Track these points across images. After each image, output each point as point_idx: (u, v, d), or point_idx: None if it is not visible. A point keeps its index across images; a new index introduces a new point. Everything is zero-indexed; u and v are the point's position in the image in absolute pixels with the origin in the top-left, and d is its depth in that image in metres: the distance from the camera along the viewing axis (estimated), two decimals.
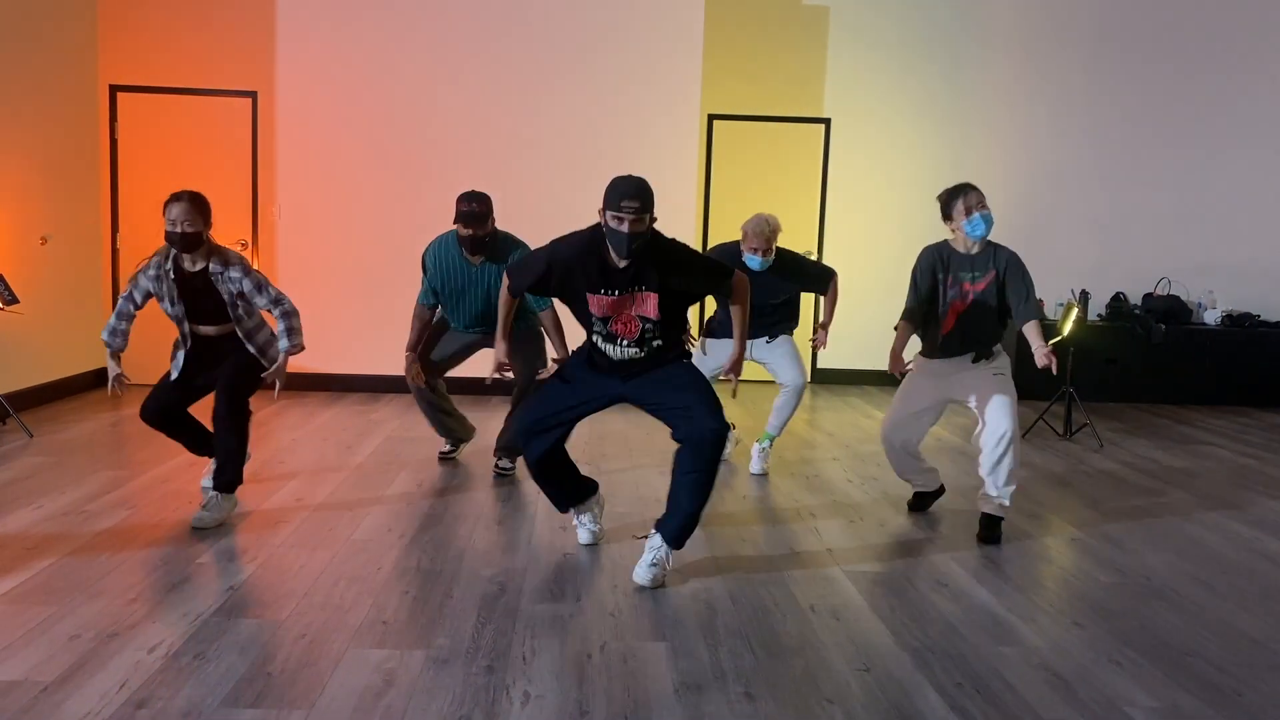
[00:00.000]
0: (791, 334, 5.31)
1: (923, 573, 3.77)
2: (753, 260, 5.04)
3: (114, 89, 7.30)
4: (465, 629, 3.08)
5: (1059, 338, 6.54)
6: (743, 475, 5.23)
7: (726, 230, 8.51)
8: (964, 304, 4.12)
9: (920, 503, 4.65)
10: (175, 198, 4.03)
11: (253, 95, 7.35)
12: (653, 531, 3.59)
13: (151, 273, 4.11)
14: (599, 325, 3.49)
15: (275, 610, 3.19)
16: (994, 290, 4.09)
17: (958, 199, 4.06)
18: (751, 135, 8.44)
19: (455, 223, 4.71)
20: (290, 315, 4.18)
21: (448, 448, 5.41)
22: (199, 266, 4.09)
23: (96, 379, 7.28)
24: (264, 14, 7.29)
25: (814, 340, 5.22)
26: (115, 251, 7.41)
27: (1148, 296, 8.54)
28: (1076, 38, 8.52)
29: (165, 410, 4.25)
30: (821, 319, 5.27)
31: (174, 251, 4.08)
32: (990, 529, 4.19)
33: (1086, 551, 4.11)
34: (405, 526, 4.14)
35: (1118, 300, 8.47)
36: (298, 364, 7.52)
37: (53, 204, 6.69)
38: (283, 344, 4.17)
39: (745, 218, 8.38)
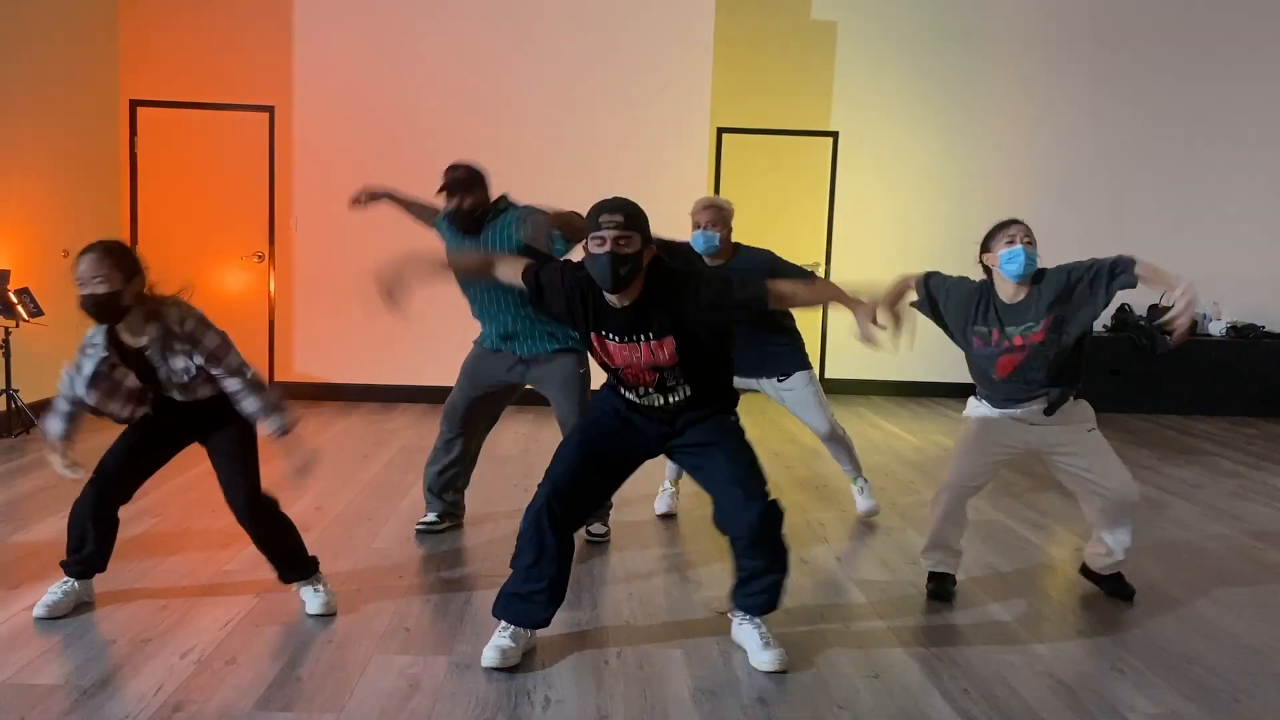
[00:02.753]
0: (808, 368, 4.55)
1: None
2: (696, 239, 4.24)
3: (134, 104, 7.43)
4: (486, 635, 3.17)
5: None
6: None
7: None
8: (1018, 357, 3.43)
9: (943, 588, 3.66)
10: (84, 250, 3.05)
11: (270, 109, 7.48)
12: (735, 611, 3.12)
13: (89, 353, 3.30)
14: (610, 371, 3.02)
15: (301, 617, 3.29)
16: (1056, 335, 3.35)
17: (1000, 231, 3.47)
18: (760, 149, 8.55)
19: (438, 193, 4.10)
20: (261, 388, 3.16)
21: (431, 518, 4.26)
22: (141, 341, 3.14)
23: None
24: (281, 30, 7.43)
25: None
26: None
27: (1152, 307, 8.61)
28: (1081, 49, 8.61)
29: (110, 499, 3.28)
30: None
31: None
32: (1119, 584, 3.72)
33: None
34: (423, 535, 4.24)
35: (1123, 311, 8.55)
36: (316, 373, 7.63)
37: (74, 217, 6.82)
38: (270, 425, 3.14)
39: (753, 231, 8.53)
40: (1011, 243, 3.38)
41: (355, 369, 7.64)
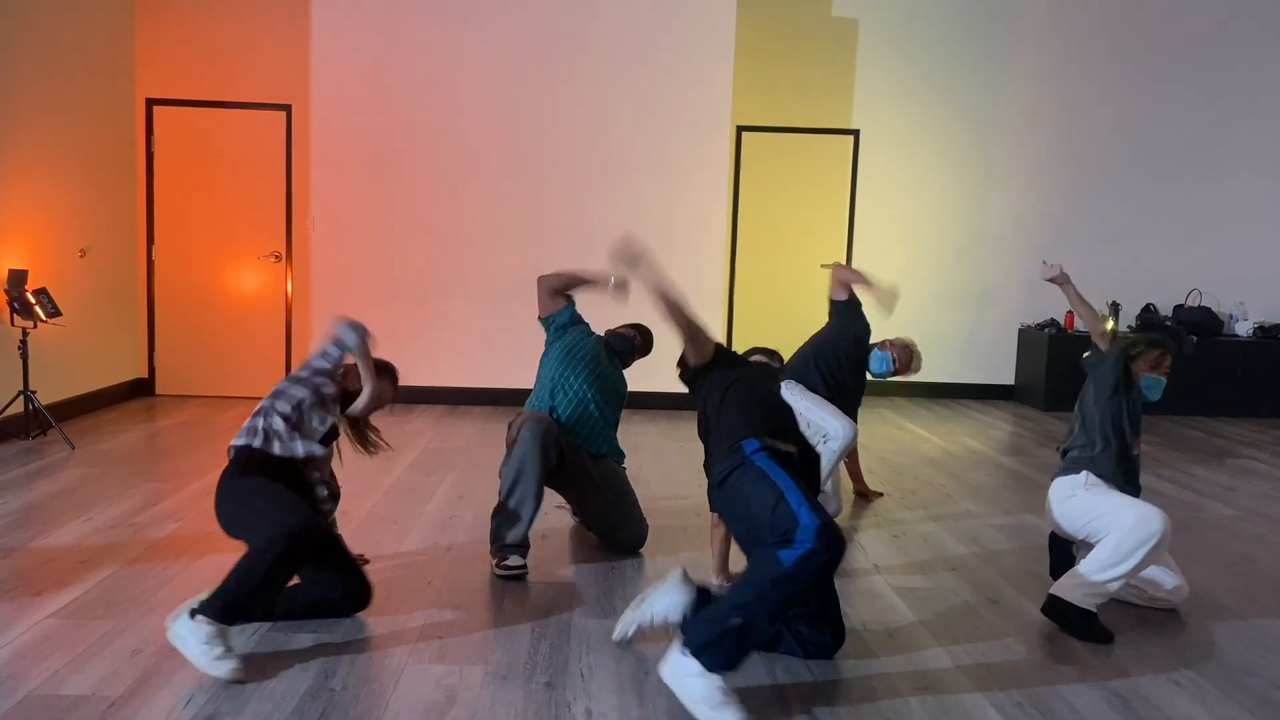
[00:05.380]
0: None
1: (971, 589, 3.77)
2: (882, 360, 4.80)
3: (151, 102, 7.37)
4: (521, 645, 3.10)
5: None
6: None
7: (755, 243, 8.53)
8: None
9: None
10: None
11: (287, 108, 7.42)
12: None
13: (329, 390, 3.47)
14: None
15: (331, 625, 3.21)
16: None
17: (1153, 354, 3.60)
18: (780, 147, 8.46)
19: (617, 334, 4.33)
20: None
21: (519, 562, 3.73)
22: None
23: (133, 390, 7.35)
24: (298, 28, 7.36)
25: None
26: (151, 263, 7.47)
27: (1178, 308, 8.51)
28: (1104, 47, 8.50)
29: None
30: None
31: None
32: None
33: None
34: (451, 539, 4.16)
35: (1148, 311, 8.44)
36: None
37: (91, 216, 6.76)
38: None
39: (774, 230, 8.49)
40: (1156, 370, 3.59)
41: None
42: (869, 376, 4.91)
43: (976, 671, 3.01)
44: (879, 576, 3.88)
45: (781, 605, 2.70)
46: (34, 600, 3.34)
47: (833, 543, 2.66)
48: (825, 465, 4.45)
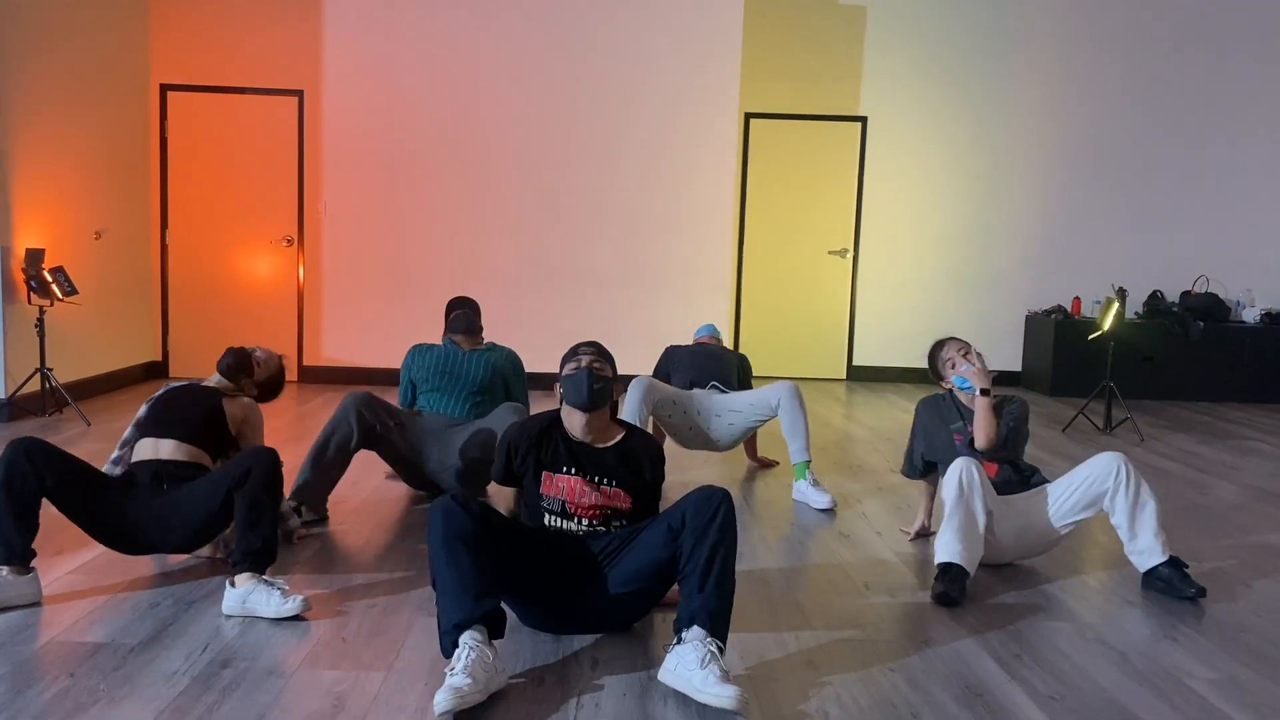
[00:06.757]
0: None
1: None
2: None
3: (165, 88, 7.46)
4: None
5: (1099, 333, 6.57)
6: (783, 467, 5.27)
7: (763, 229, 8.58)
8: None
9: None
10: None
11: (299, 94, 7.50)
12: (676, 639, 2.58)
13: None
14: (552, 504, 2.92)
15: (343, 582, 3.28)
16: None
17: (938, 352, 3.83)
18: (788, 133, 8.51)
19: (447, 332, 4.51)
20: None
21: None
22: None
23: (147, 372, 7.44)
24: (311, 14, 7.44)
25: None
26: (165, 247, 7.56)
27: (1185, 294, 8.53)
28: (1113, 35, 8.53)
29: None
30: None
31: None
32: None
33: None
34: None
35: (1155, 298, 8.46)
36: (344, 358, 7.64)
37: (106, 200, 6.85)
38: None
39: (782, 217, 8.54)
40: (954, 367, 3.76)
41: (383, 354, 7.64)
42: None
43: (975, 627, 3.06)
44: (881, 542, 3.94)
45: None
46: (55, 559, 3.42)
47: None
48: (798, 413, 4.62)
